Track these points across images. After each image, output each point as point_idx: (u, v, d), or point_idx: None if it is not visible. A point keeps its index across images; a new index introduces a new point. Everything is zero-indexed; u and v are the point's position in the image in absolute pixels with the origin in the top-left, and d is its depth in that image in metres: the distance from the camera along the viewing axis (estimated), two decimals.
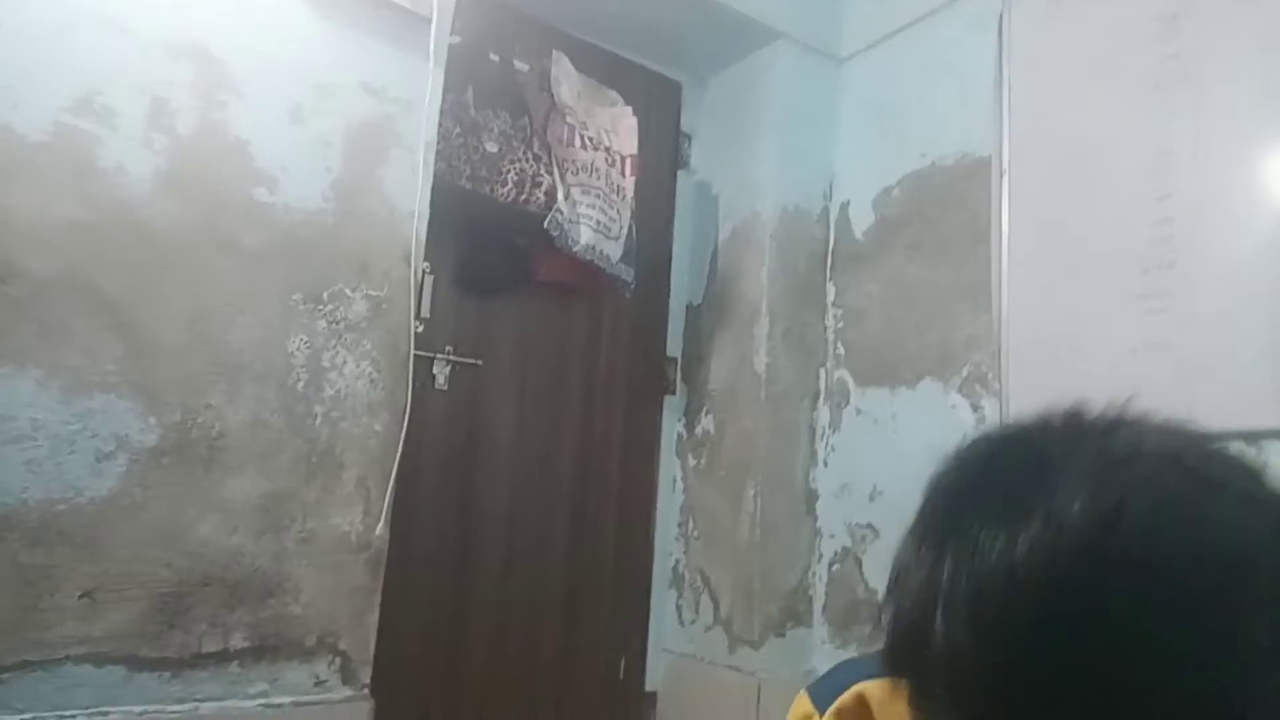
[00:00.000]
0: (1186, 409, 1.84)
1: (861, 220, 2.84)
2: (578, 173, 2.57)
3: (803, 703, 0.72)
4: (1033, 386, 2.17)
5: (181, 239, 1.91)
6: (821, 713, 0.69)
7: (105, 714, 1.73)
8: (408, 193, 2.20)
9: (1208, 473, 0.47)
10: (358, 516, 2.06)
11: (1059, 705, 0.42)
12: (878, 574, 2.53)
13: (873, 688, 0.68)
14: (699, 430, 3.00)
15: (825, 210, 2.95)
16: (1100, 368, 2.02)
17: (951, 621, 0.46)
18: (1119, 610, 0.42)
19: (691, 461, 3.01)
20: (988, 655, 0.45)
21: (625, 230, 2.64)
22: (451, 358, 2.53)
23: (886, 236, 2.73)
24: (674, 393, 3.08)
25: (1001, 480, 0.49)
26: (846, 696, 0.69)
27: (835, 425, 2.80)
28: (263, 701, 1.90)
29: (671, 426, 3.06)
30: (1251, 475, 0.48)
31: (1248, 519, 0.46)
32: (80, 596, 1.74)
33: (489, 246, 2.61)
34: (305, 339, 2.05)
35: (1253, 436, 1.77)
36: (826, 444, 2.82)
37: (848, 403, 2.78)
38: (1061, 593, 0.43)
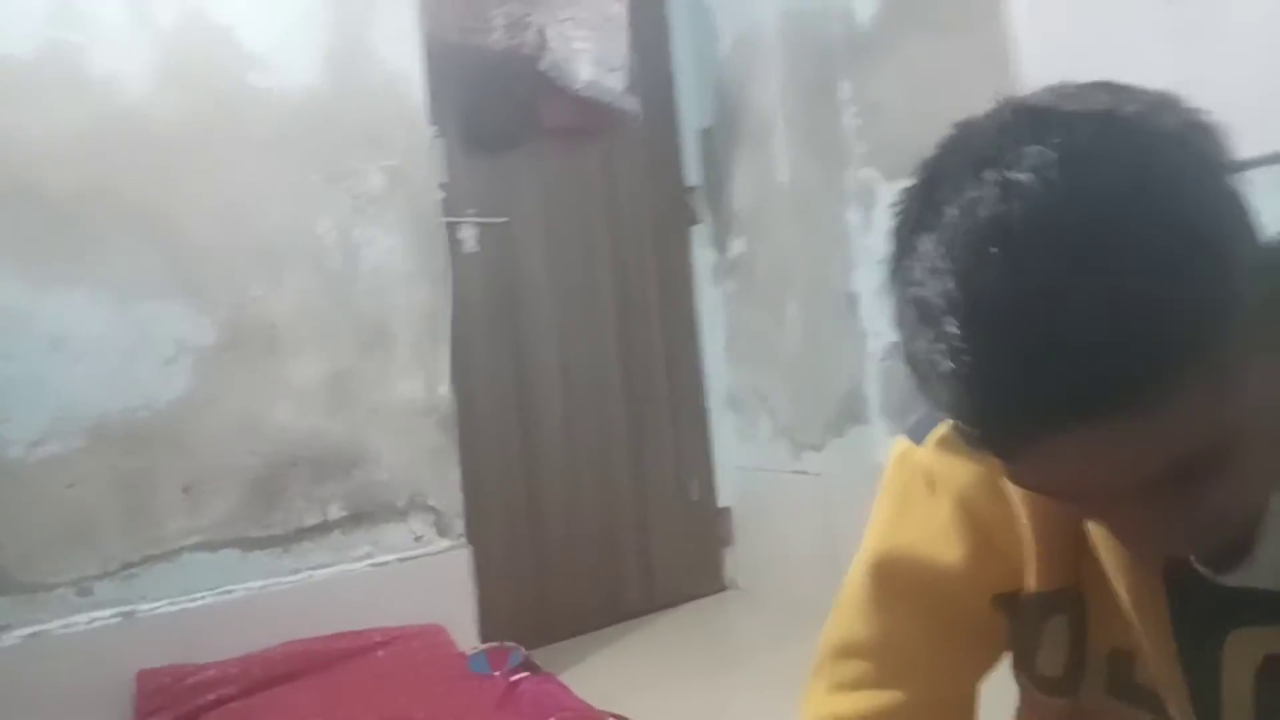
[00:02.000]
0: (1234, 138, 1.81)
1: (866, 6, 2.72)
2: (565, 6, 2.48)
3: (900, 443, 0.73)
4: None
5: (189, 136, 1.90)
6: (919, 444, 0.70)
7: (230, 592, 1.87)
8: (400, 54, 2.16)
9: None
10: (419, 382, 2.13)
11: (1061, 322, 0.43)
12: None
13: None
14: (731, 255, 3.00)
15: (826, 4, 2.83)
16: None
17: (917, 339, 0.47)
18: (1083, 240, 0.42)
19: (729, 286, 3.03)
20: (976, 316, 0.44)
21: (625, 60, 2.57)
22: (477, 219, 2.53)
23: (894, 19, 2.62)
24: (700, 222, 3.07)
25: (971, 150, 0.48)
26: (943, 426, 0.69)
27: (867, 225, 2.78)
28: (370, 562, 2.03)
29: (703, 255, 3.07)
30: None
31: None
32: (182, 492, 1.83)
33: (491, 100, 2.56)
34: (332, 219, 2.06)
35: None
36: (862, 245, 2.81)
37: (877, 201, 2.75)
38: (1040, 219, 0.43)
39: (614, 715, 1.72)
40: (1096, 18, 2.07)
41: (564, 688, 1.87)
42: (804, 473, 2.75)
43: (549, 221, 2.70)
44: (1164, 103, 0.48)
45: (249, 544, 1.90)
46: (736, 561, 3.03)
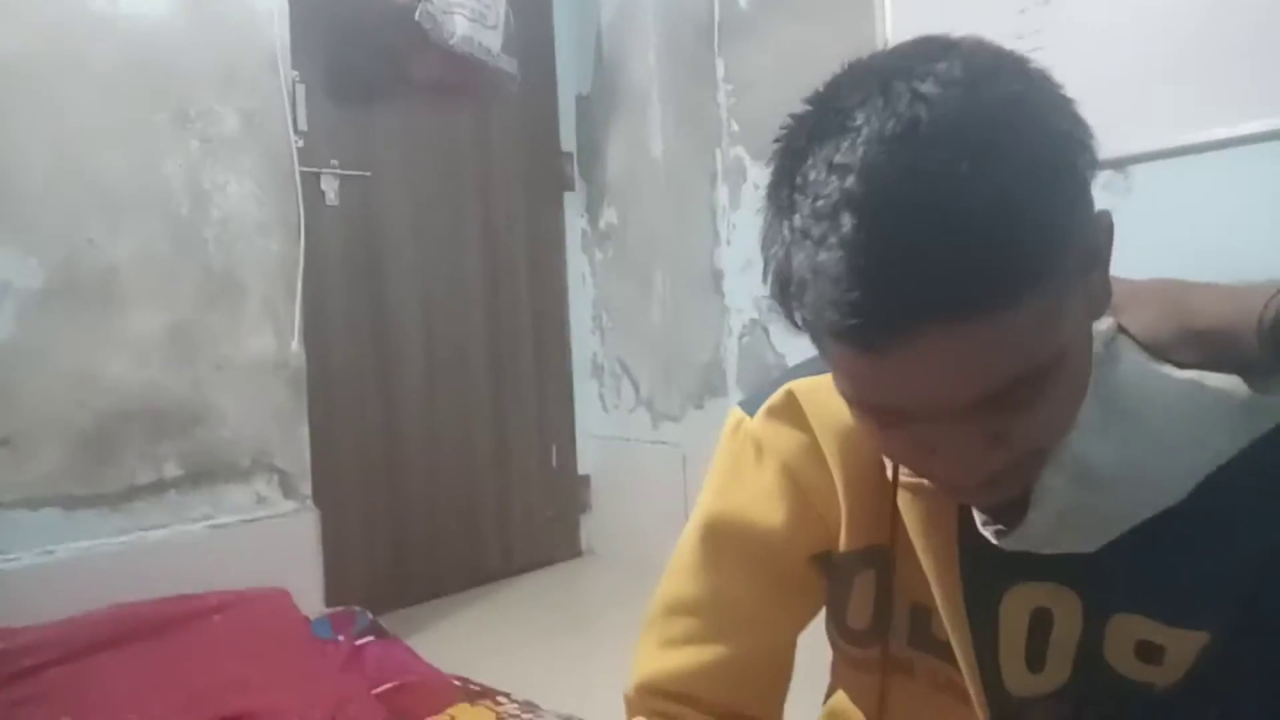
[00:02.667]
0: None
1: None
2: None
3: (734, 413, 0.77)
4: None
5: (21, 67, 1.75)
6: (751, 416, 0.74)
7: (51, 552, 1.76)
8: None
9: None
10: (269, 337, 2.05)
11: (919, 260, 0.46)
12: (785, 340, 2.66)
13: (800, 382, 0.73)
14: (602, 224, 3.01)
15: None
16: None
17: (802, 244, 0.49)
18: (949, 170, 0.45)
19: (598, 255, 3.04)
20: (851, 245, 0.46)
21: (502, 18, 2.52)
22: (338, 171, 2.43)
23: (771, 2, 2.67)
24: (573, 189, 3.06)
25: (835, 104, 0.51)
26: (775, 395, 0.73)
27: (735, 203, 2.84)
28: (208, 523, 1.95)
29: (575, 223, 3.06)
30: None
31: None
32: (1, 444, 1.71)
33: (359, 48, 2.46)
34: (179, 161, 1.94)
35: (1120, 163, 1.88)
36: (728, 223, 2.87)
37: (745, 179, 2.81)
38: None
39: (458, 677, 1.73)
40: (957, 18, 2.17)
41: (410, 651, 1.87)
42: (662, 443, 2.81)
43: (415, 179, 2.63)
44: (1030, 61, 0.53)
45: (74, 502, 1.79)
46: (593, 528, 3.07)
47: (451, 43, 2.39)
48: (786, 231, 0.51)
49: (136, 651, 1.66)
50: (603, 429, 3.05)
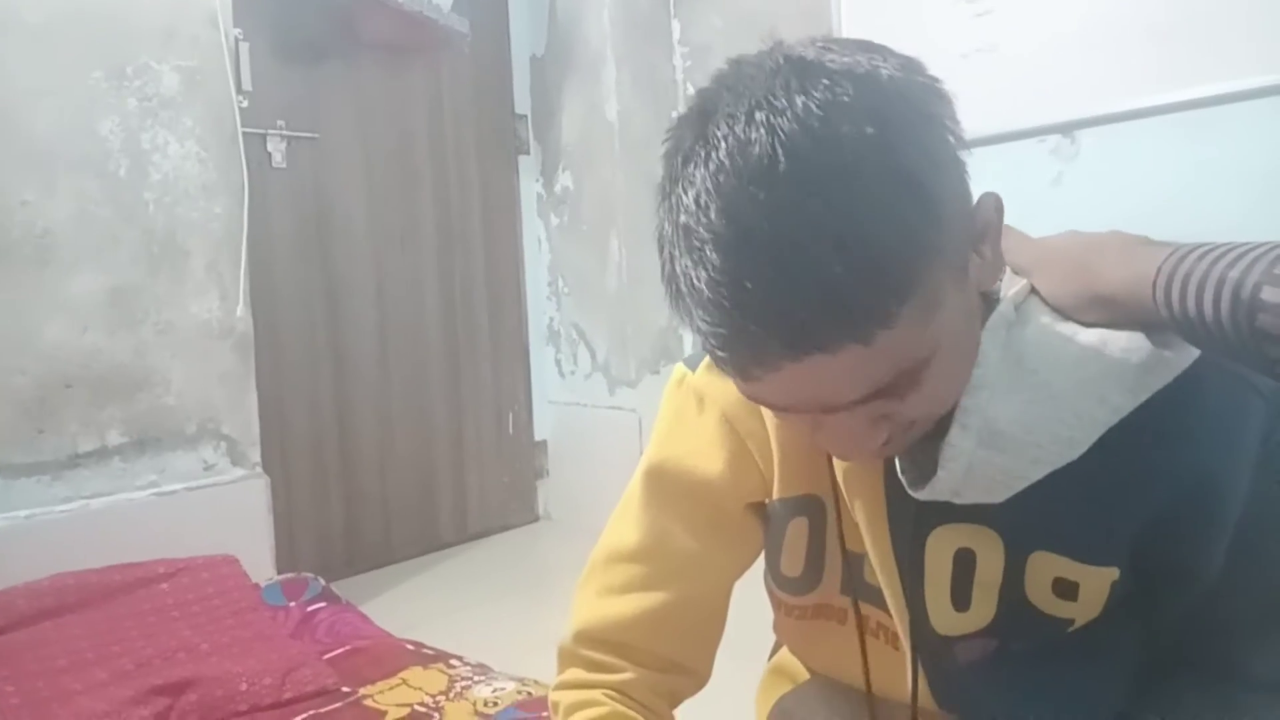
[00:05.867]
0: (1012, 107, 1.93)
1: None
2: None
3: (678, 369, 0.79)
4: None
5: None
6: (694, 371, 0.76)
7: None
8: None
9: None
10: (214, 302, 2.01)
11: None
12: None
13: None
14: (558, 188, 2.99)
15: None
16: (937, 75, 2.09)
17: (680, 260, 0.51)
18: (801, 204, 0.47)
19: (554, 220, 3.01)
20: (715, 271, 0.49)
21: None
22: (285, 133, 2.38)
23: None
24: (528, 152, 3.02)
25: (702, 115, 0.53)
26: None
27: None
28: (154, 491, 1.92)
29: (530, 187, 3.03)
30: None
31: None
32: None
33: (306, 6, 2.40)
34: (117, 120, 1.89)
35: (1067, 128, 1.90)
36: None
37: None
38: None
39: (411, 641, 1.73)
40: None
41: (362, 616, 1.86)
42: (619, 408, 2.82)
43: (366, 140, 2.58)
44: (911, 67, 0.54)
45: (12, 471, 1.75)
46: (550, 493, 3.08)
47: (400, 1, 2.34)
48: (670, 239, 0.53)
49: (81, 620, 1.63)
50: (559, 394, 3.04)
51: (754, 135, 0.49)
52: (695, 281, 0.50)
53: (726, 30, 2.66)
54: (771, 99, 0.50)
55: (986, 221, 0.56)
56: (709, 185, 0.50)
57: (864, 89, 0.50)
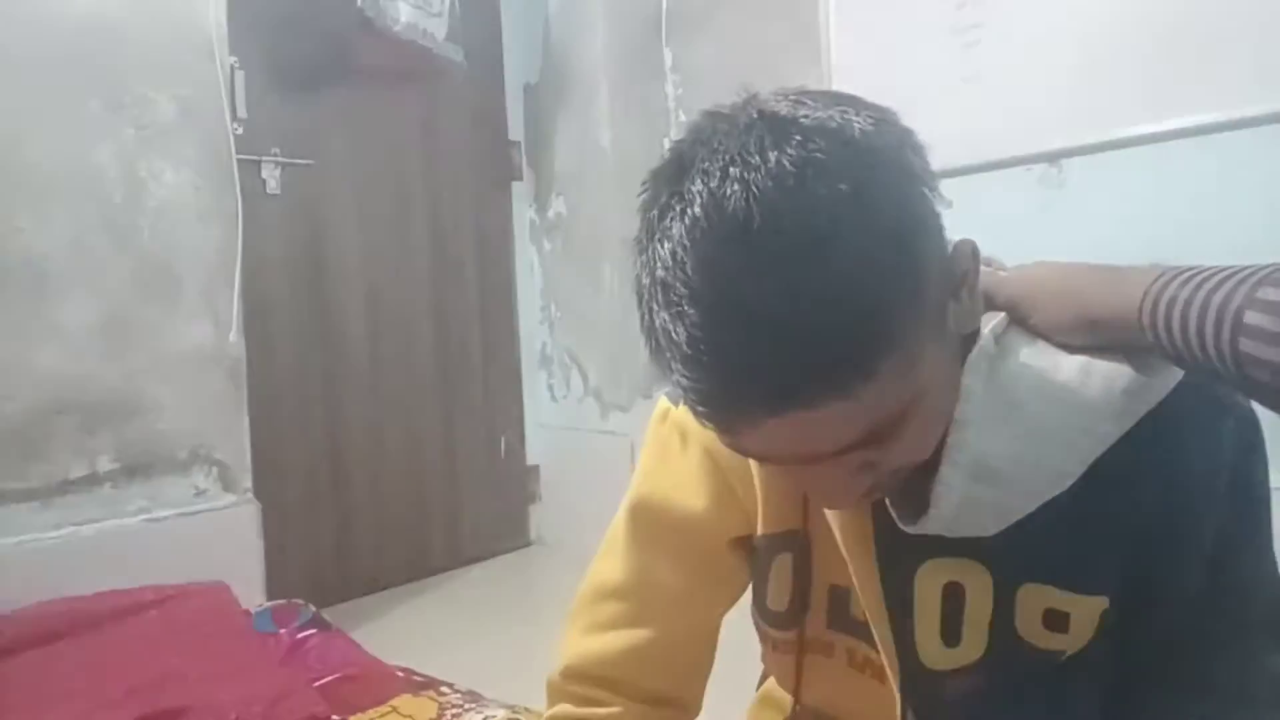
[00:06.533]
0: (999, 136, 1.95)
1: None
2: None
3: (661, 402, 0.79)
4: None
5: None
6: (677, 406, 0.76)
7: None
8: None
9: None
10: (208, 328, 2.02)
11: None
12: None
13: None
14: (551, 214, 3.01)
15: None
16: (924, 106, 2.11)
17: (658, 314, 0.52)
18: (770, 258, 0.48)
19: (547, 246, 3.03)
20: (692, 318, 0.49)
21: (447, 5, 2.50)
22: (280, 159, 2.39)
23: None
24: (521, 178, 3.04)
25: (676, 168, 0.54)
26: None
27: None
28: (145, 517, 1.92)
29: (523, 213, 3.05)
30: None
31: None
32: None
33: (301, 35, 2.42)
34: (114, 149, 1.90)
35: (1054, 156, 1.92)
36: None
37: None
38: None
39: (401, 668, 1.72)
40: (898, 13, 2.20)
41: (353, 643, 1.85)
42: (611, 433, 2.82)
43: (360, 168, 2.60)
44: (885, 119, 0.54)
45: (3, 497, 1.74)
46: (542, 518, 3.08)
47: (396, 29, 2.37)
48: (648, 292, 0.53)
49: (70, 647, 1.62)
50: (551, 419, 3.05)
51: (729, 190, 0.49)
52: (674, 336, 0.50)
53: (718, 58, 2.69)
54: (745, 155, 0.50)
55: (963, 269, 0.57)
56: (685, 241, 0.50)
57: (837, 145, 0.50)
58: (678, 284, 0.50)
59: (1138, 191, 1.79)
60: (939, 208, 0.54)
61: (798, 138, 0.50)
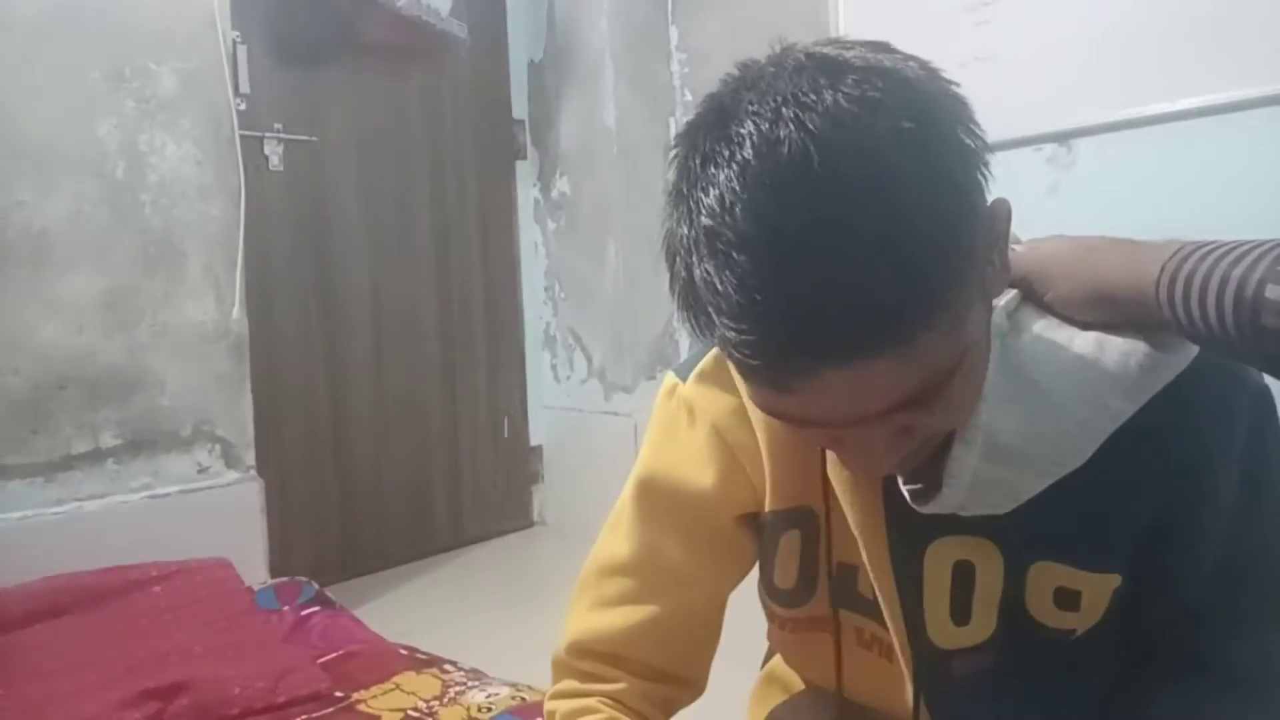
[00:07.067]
0: (1009, 115, 1.92)
1: None
2: None
3: (668, 378, 0.78)
4: None
5: None
6: (684, 381, 0.75)
7: None
8: None
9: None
10: (210, 304, 2.01)
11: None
12: None
13: None
14: (555, 193, 2.99)
15: None
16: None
17: (700, 265, 0.49)
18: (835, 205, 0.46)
19: (551, 225, 3.02)
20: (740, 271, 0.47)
21: None
22: (282, 136, 2.38)
23: None
24: (525, 157, 3.02)
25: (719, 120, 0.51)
26: (706, 359, 0.74)
27: None
28: (148, 493, 1.92)
29: (527, 192, 3.03)
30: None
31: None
32: None
33: (304, 10, 2.40)
34: (114, 121, 1.88)
35: (1064, 136, 1.90)
36: None
37: None
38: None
39: (405, 646, 1.72)
40: None
41: (356, 621, 1.85)
42: (614, 413, 2.81)
43: (363, 144, 2.58)
44: (929, 69, 0.52)
45: (6, 472, 1.74)
46: (545, 498, 3.08)
47: (399, 4, 2.34)
48: (687, 245, 0.50)
49: (73, 622, 1.62)
50: (555, 400, 3.04)
51: (783, 133, 0.47)
52: (721, 286, 0.47)
53: (725, 36, 2.66)
54: (800, 95, 0.47)
55: (1000, 229, 0.55)
56: (734, 185, 0.47)
57: (894, 85, 0.48)
58: (726, 231, 0.47)
59: (1148, 172, 1.78)
60: (987, 157, 0.52)
61: (853, 77, 0.48)
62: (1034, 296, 0.61)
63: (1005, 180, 1.92)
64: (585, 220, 2.88)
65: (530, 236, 3.05)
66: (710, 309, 0.49)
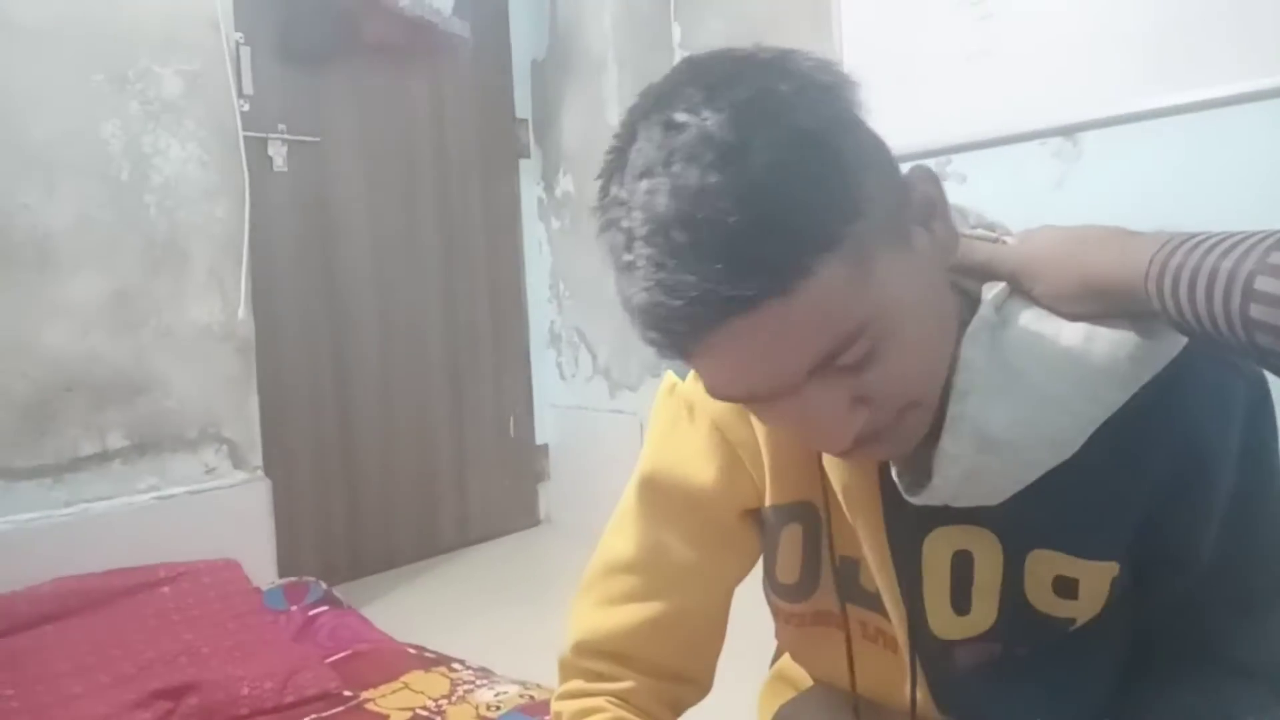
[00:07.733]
0: (1014, 109, 1.92)
1: None
2: None
3: (668, 376, 0.78)
4: (873, 106, 2.23)
5: None
6: (684, 378, 0.75)
7: None
8: None
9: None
10: (216, 306, 2.01)
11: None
12: None
13: None
14: (559, 192, 2.99)
15: None
16: (937, 79, 2.08)
17: (640, 254, 0.52)
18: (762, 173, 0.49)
19: (555, 224, 3.02)
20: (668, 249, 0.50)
21: None
22: (286, 137, 2.38)
23: None
24: (528, 156, 3.02)
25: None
26: None
27: None
28: (155, 495, 1.92)
29: (530, 191, 3.03)
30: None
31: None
32: None
33: (307, 10, 2.40)
34: (119, 123, 1.89)
35: (1069, 130, 1.89)
36: None
37: None
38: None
39: (412, 645, 1.72)
40: None
41: (364, 620, 1.86)
42: (620, 412, 2.81)
43: (367, 144, 2.58)
44: (794, 51, 0.55)
45: (14, 474, 1.75)
46: (551, 497, 3.08)
47: (402, 4, 2.34)
48: (611, 257, 0.55)
49: (82, 624, 1.63)
50: (560, 398, 3.04)
51: (655, 136, 0.52)
52: (630, 282, 0.52)
53: (727, 33, 2.65)
54: (671, 100, 0.52)
55: (927, 196, 0.56)
56: (624, 192, 0.52)
57: (753, 68, 0.53)
58: (622, 232, 0.52)
59: (1155, 165, 1.77)
60: (876, 131, 0.55)
61: (716, 71, 0.53)
62: (1023, 290, 0.61)
63: (1011, 174, 1.93)
64: (589, 218, 2.88)
65: (534, 235, 3.05)
66: (629, 302, 0.53)
